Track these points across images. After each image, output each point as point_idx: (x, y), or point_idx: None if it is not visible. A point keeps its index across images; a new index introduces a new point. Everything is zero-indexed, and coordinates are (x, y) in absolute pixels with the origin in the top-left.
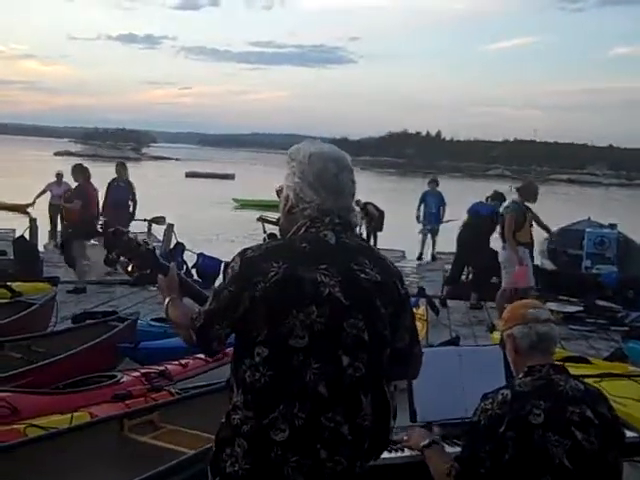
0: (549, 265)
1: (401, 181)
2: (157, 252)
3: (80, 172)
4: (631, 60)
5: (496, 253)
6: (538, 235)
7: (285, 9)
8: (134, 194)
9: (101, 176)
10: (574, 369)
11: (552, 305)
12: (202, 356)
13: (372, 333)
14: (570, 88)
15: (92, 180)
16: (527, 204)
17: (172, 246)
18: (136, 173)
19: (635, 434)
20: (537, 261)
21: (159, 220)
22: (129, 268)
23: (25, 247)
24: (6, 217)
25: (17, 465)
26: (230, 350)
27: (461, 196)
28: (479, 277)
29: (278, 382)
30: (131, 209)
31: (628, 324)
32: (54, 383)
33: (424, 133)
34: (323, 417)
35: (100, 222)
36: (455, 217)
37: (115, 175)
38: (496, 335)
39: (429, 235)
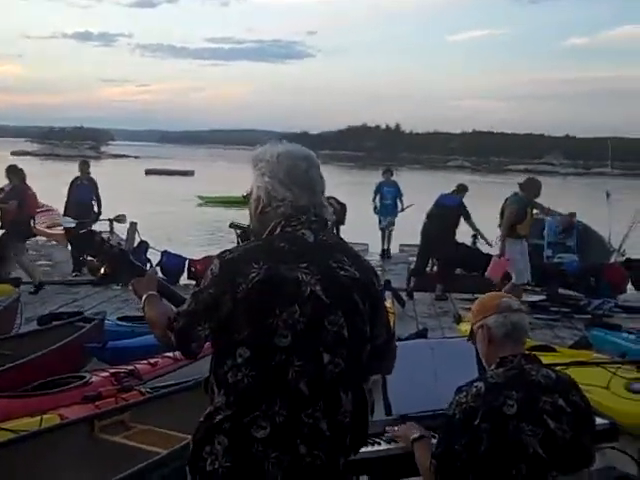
0: None
1: (361, 174)
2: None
3: (14, 173)
4: (585, 51)
5: (461, 245)
6: None
7: (242, 5)
8: (98, 192)
9: (60, 175)
10: (542, 358)
11: None
12: (171, 354)
13: (352, 330)
14: (527, 79)
15: (51, 180)
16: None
17: (136, 244)
18: (96, 171)
19: (602, 420)
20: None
21: (120, 218)
22: (102, 271)
23: None
24: None
25: None
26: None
27: (421, 187)
28: (444, 269)
29: (261, 382)
30: (96, 208)
31: (591, 312)
32: (22, 386)
33: (383, 126)
34: (303, 414)
35: (73, 224)
36: (413, 202)
37: (78, 174)
38: (463, 327)
39: (386, 230)
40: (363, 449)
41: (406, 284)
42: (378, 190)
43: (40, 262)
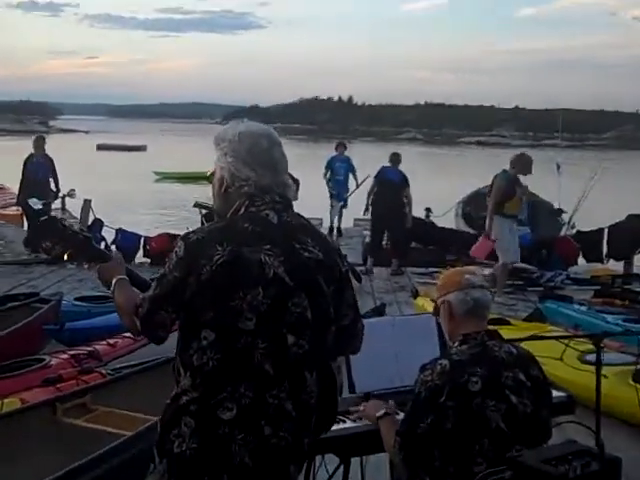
0: (465, 228)
1: (313, 147)
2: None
3: None
4: (536, 21)
5: (415, 219)
6: None
7: None
8: (55, 169)
9: (7, 152)
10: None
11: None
12: (130, 334)
13: (316, 311)
14: (479, 49)
15: None
16: (520, 176)
17: (90, 222)
18: (45, 147)
19: (559, 393)
20: (453, 225)
21: (71, 193)
22: (65, 257)
23: None
24: None
25: None
26: None
27: (373, 160)
28: (398, 243)
29: (226, 364)
30: (53, 186)
31: (543, 284)
32: None
33: (336, 98)
34: (268, 394)
35: (38, 205)
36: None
37: (31, 150)
38: (420, 301)
39: (339, 208)
40: (336, 426)
41: (362, 260)
42: (329, 166)
43: None
